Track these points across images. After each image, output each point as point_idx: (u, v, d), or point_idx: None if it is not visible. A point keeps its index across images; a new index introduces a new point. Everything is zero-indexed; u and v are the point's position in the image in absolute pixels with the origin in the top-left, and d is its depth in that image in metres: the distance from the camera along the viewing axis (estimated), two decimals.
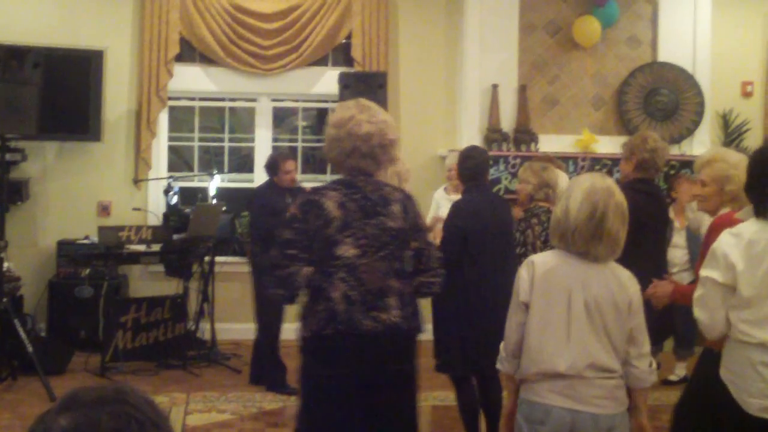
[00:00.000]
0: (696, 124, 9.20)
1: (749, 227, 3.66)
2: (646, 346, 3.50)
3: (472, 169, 5.55)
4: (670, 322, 5.65)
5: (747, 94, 9.67)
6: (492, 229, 5.42)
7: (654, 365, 3.55)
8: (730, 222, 4.32)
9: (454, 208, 5.49)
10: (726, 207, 4.46)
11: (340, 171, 3.80)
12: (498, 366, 3.67)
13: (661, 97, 9.16)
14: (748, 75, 9.69)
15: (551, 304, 3.44)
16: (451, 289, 5.33)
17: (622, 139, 8.87)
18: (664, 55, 9.23)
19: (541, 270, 3.47)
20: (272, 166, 7.08)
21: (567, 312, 3.42)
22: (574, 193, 3.46)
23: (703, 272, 3.70)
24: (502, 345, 3.64)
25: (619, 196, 3.48)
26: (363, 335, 3.60)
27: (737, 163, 4.45)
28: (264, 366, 7.08)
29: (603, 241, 3.41)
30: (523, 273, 3.52)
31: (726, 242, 3.65)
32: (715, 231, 4.36)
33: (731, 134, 9.40)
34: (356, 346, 3.61)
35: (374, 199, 3.69)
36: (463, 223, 5.31)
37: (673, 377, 7.42)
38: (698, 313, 3.72)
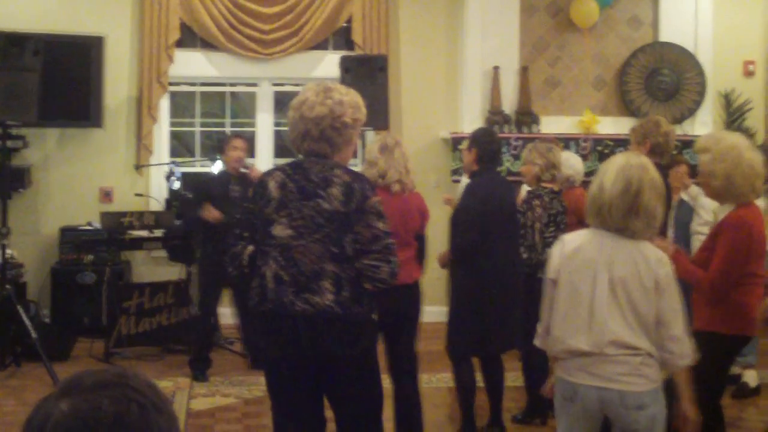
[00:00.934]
0: (698, 104, 9.18)
1: None
2: (677, 329, 3.45)
3: (494, 151, 5.56)
4: None
5: (749, 74, 9.63)
6: (503, 212, 5.44)
7: (689, 347, 3.51)
8: (736, 222, 4.33)
9: (468, 190, 5.48)
10: (732, 201, 4.43)
11: (300, 153, 3.79)
12: (535, 341, 3.70)
13: (662, 78, 9.14)
14: (750, 54, 9.64)
15: (577, 281, 3.47)
16: (467, 273, 5.36)
17: (624, 119, 8.91)
18: (666, 35, 9.20)
19: (569, 247, 3.52)
20: (220, 145, 6.97)
21: (592, 289, 3.44)
22: (609, 169, 3.50)
23: None
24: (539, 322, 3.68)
25: (654, 173, 3.50)
26: (295, 316, 3.59)
27: (722, 155, 4.36)
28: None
29: (640, 216, 3.43)
30: (554, 250, 3.58)
31: None
32: (724, 229, 4.36)
33: (733, 114, 9.37)
34: (290, 327, 3.61)
35: (316, 180, 3.64)
36: (481, 207, 5.31)
37: None
38: None
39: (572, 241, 3.55)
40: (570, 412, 3.53)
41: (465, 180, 7.49)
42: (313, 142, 3.69)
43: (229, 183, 6.78)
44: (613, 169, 3.47)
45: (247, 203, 3.83)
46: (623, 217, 3.42)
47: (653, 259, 3.46)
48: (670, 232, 7.21)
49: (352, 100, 3.74)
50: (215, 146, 6.81)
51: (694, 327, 4.47)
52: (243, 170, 6.83)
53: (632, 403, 3.39)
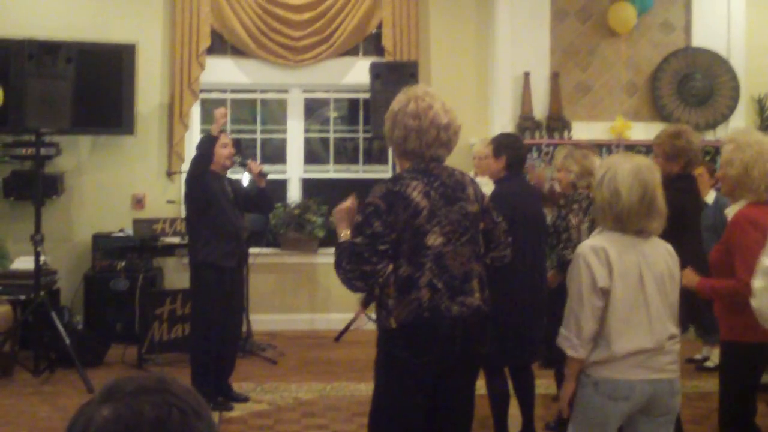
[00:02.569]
0: (731, 109, 9.11)
1: None
2: None
3: (522, 158, 5.60)
4: (695, 307, 5.58)
5: None
6: (532, 219, 5.42)
7: None
8: (747, 219, 4.26)
9: (498, 197, 5.44)
10: (746, 196, 4.37)
11: (413, 160, 3.74)
12: (571, 352, 3.62)
13: (695, 83, 9.08)
14: None
15: (629, 285, 3.52)
16: (498, 281, 5.33)
17: (656, 125, 8.83)
18: (698, 40, 9.14)
19: (614, 254, 3.52)
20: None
21: (642, 290, 3.53)
22: (620, 173, 3.52)
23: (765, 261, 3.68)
24: (568, 332, 3.60)
25: (658, 172, 3.61)
26: (453, 320, 3.61)
27: (744, 146, 4.32)
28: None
29: (656, 217, 3.53)
30: (593, 260, 3.52)
31: None
32: (736, 228, 4.30)
33: (767, 119, 9.29)
34: (445, 331, 3.62)
35: (451, 184, 3.71)
36: (510, 212, 5.28)
37: (709, 363, 7.36)
38: (757, 303, 3.69)
39: (612, 247, 3.53)
40: (615, 412, 3.53)
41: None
42: (440, 147, 3.73)
43: (223, 182, 6.36)
44: (626, 174, 3.50)
45: (384, 216, 3.59)
46: (642, 220, 3.51)
47: (671, 252, 3.65)
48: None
49: None
50: (200, 146, 6.27)
51: (722, 335, 4.46)
52: (237, 165, 6.56)
53: (676, 389, 3.60)
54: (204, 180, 6.13)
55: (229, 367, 6.49)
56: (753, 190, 4.30)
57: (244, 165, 6.53)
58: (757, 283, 3.72)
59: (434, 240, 3.61)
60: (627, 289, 3.51)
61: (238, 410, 6.31)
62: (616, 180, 3.50)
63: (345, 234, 3.71)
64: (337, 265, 3.64)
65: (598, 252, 3.53)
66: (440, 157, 3.76)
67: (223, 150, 6.26)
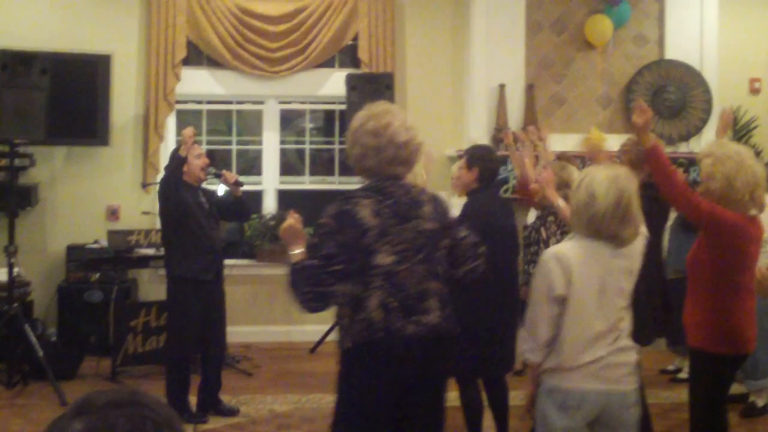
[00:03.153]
0: (704, 121, 9.18)
1: None
2: None
3: (495, 170, 5.61)
4: (664, 318, 5.62)
5: (755, 91, 9.64)
6: (504, 231, 5.43)
7: None
8: (733, 223, 4.32)
9: (470, 209, 5.44)
10: (731, 209, 4.38)
11: (372, 177, 3.71)
12: (528, 356, 3.67)
13: (668, 95, 9.15)
14: (755, 71, 9.66)
15: (588, 294, 3.54)
16: (469, 294, 5.35)
17: (630, 137, 8.90)
18: (672, 52, 9.21)
19: (575, 261, 3.53)
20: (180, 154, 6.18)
21: (601, 300, 3.55)
22: (597, 179, 3.56)
23: None
24: (527, 335, 3.66)
25: (636, 182, 3.64)
26: (407, 339, 3.56)
27: (724, 158, 4.36)
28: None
29: (630, 224, 3.55)
30: (553, 266, 3.55)
31: None
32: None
33: (739, 131, 9.37)
34: (401, 351, 3.57)
35: (406, 202, 3.66)
36: (481, 224, 5.28)
37: (682, 375, 7.40)
38: None
39: (574, 255, 3.55)
40: (568, 422, 3.54)
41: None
42: (399, 165, 3.69)
43: (197, 193, 6.28)
44: (602, 179, 3.53)
45: (337, 236, 3.55)
46: (617, 226, 3.51)
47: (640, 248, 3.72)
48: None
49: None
50: (172, 157, 6.21)
51: (688, 344, 4.51)
52: (212, 176, 6.47)
53: (630, 401, 3.60)
54: (178, 194, 6.10)
55: (215, 382, 6.42)
56: (737, 202, 4.33)
57: (219, 176, 6.48)
58: None
59: (384, 259, 3.55)
60: (585, 298, 3.52)
61: (213, 422, 6.29)
62: (594, 184, 3.53)
63: (294, 254, 3.64)
64: (294, 287, 3.56)
65: (560, 259, 3.55)
66: (399, 174, 3.72)
67: (197, 161, 6.20)
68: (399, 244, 3.59)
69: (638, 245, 3.70)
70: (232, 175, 6.43)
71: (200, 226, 6.19)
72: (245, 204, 6.57)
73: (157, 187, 6.49)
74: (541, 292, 3.57)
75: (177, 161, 6.13)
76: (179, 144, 6.32)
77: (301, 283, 3.54)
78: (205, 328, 6.22)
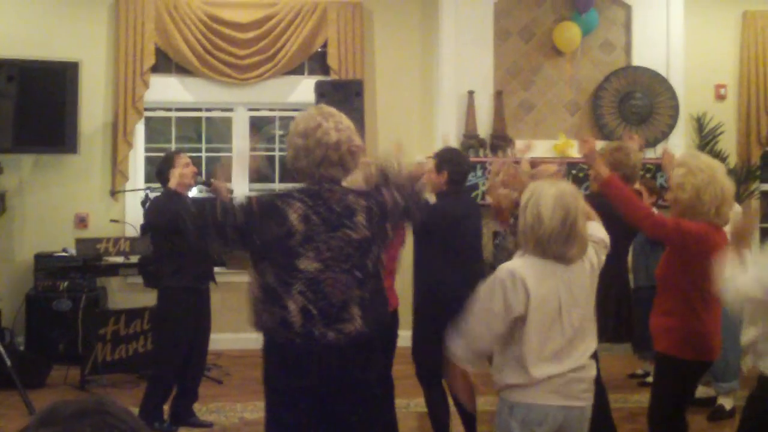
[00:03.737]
0: (671, 127, 9.26)
1: None
2: None
3: (465, 173, 5.62)
4: (627, 324, 5.67)
5: (720, 97, 9.74)
6: (468, 233, 5.46)
7: None
8: (699, 230, 4.38)
9: (436, 210, 5.46)
10: (696, 220, 4.44)
11: (307, 180, 3.69)
12: (465, 365, 3.70)
13: (635, 101, 9.22)
14: (721, 78, 9.75)
15: (547, 312, 3.54)
16: (429, 293, 5.38)
17: (598, 143, 8.94)
18: (638, 59, 9.29)
19: (533, 281, 3.52)
20: (168, 163, 6.16)
21: (559, 316, 3.55)
22: (544, 198, 3.55)
23: None
24: (462, 344, 3.66)
25: (581, 199, 3.64)
26: (327, 346, 3.54)
27: (696, 170, 4.43)
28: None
29: (576, 243, 3.55)
30: (511, 285, 3.53)
31: None
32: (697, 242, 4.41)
33: (705, 137, 9.46)
34: (320, 357, 3.55)
35: (339, 210, 3.62)
36: (445, 226, 5.31)
37: (650, 379, 7.45)
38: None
39: (531, 274, 3.55)
40: None
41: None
42: (331, 167, 3.65)
43: (187, 203, 6.10)
44: (549, 200, 3.53)
45: (251, 221, 3.58)
46: (561, 246, 3.52)
47: (594, 268, 3.72)
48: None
49: (353, 126, 3.78)
50: (161, 166, 6.21)
51: (656, 349, 4.55)
52: (200, 186, 6.44)
53: (587, 417, 3.65)
54: (171, 208, 6.03)
55: (192, 393, 6.38)
56: (704, 214, 4.40)
57: (208, 184, 6.37)
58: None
59: (308, 265, 3.54)
60: (544, 316, 3.53)
61: (183, 431, 6.26)
62: (539, 205, 3.53)
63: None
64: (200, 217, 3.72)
65: (517, 277, 3.53)
66: (334, 177, 3.68)
67: (185, 169, 6.13)
68: (325, 251, 3.57)
69: (593, 259, 3.71)
70: (222, 185, 6.26)
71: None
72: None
73: (130, 191, 6.41)
74: (496, 309, 3.54)
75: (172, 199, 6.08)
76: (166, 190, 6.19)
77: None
78: (194, 336, 6.18)
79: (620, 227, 5.12)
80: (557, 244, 3.51)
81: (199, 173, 6.41)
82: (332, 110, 3.79)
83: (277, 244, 3.56)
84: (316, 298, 3.55)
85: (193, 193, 6.85)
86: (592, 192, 5.29)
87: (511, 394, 3.60)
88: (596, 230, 3.85)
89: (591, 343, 3.66)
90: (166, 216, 5.91)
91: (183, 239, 6.01)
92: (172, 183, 6.06)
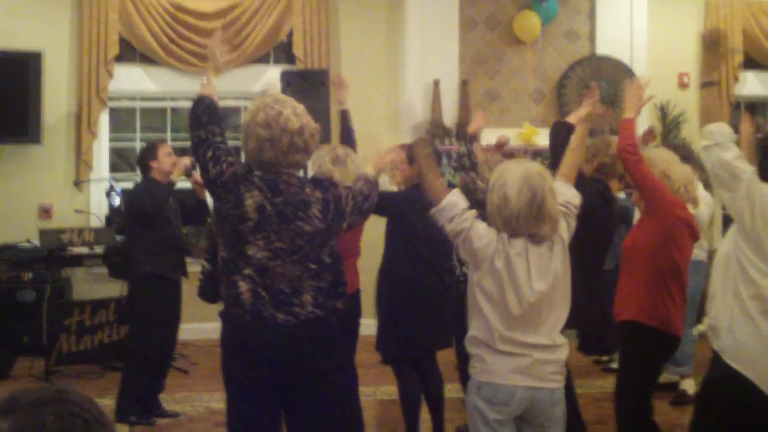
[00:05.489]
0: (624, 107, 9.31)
1: None
2: None
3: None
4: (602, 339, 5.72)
5: (683, 85, 9.83)
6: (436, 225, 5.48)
7: None
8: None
9: (409, 202, 5.48)
10: None
11: (271, 169, 3.66)
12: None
13: (599, 90, 9.26)
14: (684, 66, 9.85)
15: (506, 281, 3.57)
16: (394, 280, 5.41)
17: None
18: (602, 48, 9.36)
19: (510, 252, 3.57)
20: (150, 152, 6.19)
21: (517, 289, 3.56)
22: (510, 179, 3.56)
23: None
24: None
25: (549, 178, 3.64)
26: (278, 326, 3.56)
27: (655, 157, 4.66)
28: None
29: (546, 222, 3.56)
30: (483, 227, 3.62)
31: None
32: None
33: (669, 125, 9.55)
34: (274, 343, 3.57)
35: (294, 202, 3.62)
36: (417, 216, 5.33)
37: (613, 365, 7.53)
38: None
39: (511, 243, 3.59)
40: (495, 417, 3.58)
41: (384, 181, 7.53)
42: (297, 153, 3.66)
43: (170, 194, 6.20)
44: (515, 180, 3.55)
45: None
46: (533, 225, 3.54)
47: (565, 254, 3.70)
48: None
49: (305, 108, 3.79)
50: (142, 154, 6.27)
51: (622, 319, 4.61)
52: (183, 175, 6.32)
53: (557, 399, 3.64)
54: (155, 196, 6.03)
55: (160, 383, 6.37)
56: (674, 192, 4.55)
57: (188, 175, 6.32)
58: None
59: (256, 252, 3.57)
60: (502, 284, 3.57)
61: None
62: (506, 186, 3.55)
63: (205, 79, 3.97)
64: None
65: (497, 234, 3.61)
66: (299, 162, 3.70)
67: (167, 159, 6.14)
68: (275, 242, 3.58)
69: (563, 234, 3.71)
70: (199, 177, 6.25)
71: (170, 225, 6.15)
72: (206, 207, 6.41)
73: (94, 180, 6.36)
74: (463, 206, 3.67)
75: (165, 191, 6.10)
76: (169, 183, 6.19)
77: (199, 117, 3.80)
78: (166, 326, 6.19)
79: (594, 215, 5.17)
80: (527, 224, 3.53)
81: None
82: (283, 96, 3.82)
83: (230, 222, 3.59)
84: (265, 284, 3.58)
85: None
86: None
87: (478, 373, 3.63)
88: (565, 191, 3.81)
89: (558, 323, 3.67)
90: (155, 200, 5.97)
91: (160, 227, 6.08)
92: (154, 172, 6.10)
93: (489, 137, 8.90)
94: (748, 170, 3.71)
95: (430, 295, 5.37)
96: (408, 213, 5.36)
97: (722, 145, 3.87)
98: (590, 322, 4.91)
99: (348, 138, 5.64)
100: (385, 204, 4.97)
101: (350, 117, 5.72)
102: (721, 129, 3.94)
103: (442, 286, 5.47)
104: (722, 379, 3.66)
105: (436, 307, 5.40)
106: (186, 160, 6.11)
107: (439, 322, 5.42)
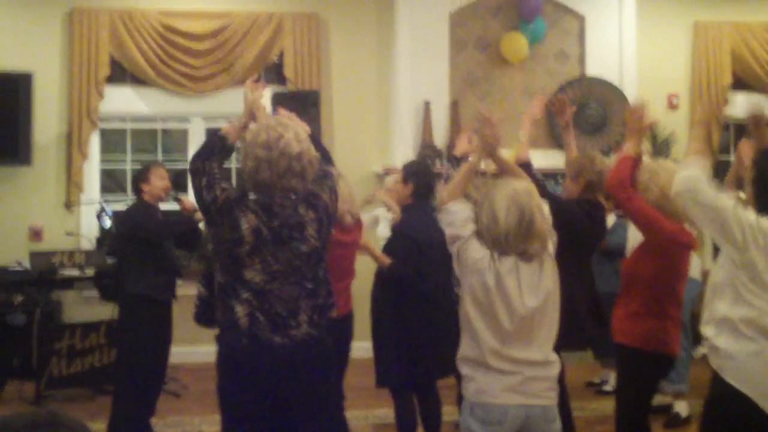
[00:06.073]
0: (624, 136, 9.34)
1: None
2: None
3: (431, 186, 5.66)
4: (590, 329, 5.71)
5: (673, 107, 9.88)
6: (433, 244, 5.48)
7: None
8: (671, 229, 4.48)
9: (404, 223, 5.50)
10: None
11: (266, 191, 3.70)
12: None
13: (590, 111, 9.32)
14: (673, 88, 9.90)
15: (499, 299, 3.58)
16: (393, 302, 5.39)
17: (553, 152, 9.04)
18: (592, 69, 9.39)
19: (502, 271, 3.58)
20: (142, 175, 6.20)
21: (511, 302, 3.57)
22: (498, 198, 3.59)
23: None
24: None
25: (537, 195, 3.66)
26: (274, 349, 3.58)
27: (660, 170, 4.61)
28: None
29: (536, 240, 3.58)
30: (479, 246, 3.63)
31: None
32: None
33: (659, 146, 9.57)
34: (268, 360, 3.58)
35: (290, 225, 3.66)
36: (418, 236, 5.34)
37: (607, 387, 7.51)
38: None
39: (502, 261, 3.60)
40: None
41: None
42: (293, 178, 3.68)
43: (159, 215, 6.23)
44: (503, 199, 3.57)
45: (226, 192, 3.67)
46: (520, 244, 3.56)
47: (555, 274, 3.71)
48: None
49: (307, 136, 3.82)
50: (136, 177, 6.31)
51: (619, 342, 4.62)
52: (173, 200, 6.39)
53: (551, 417, 3.64)
54: (146, 221, 6.04)
55: (151, 406, 6.29)
56: (672, 212, 4.51)
57: (177, 200, 6.35)
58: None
59: (254, 276, 3.60)
60: (493, 301, 3.58)
61: None
62: (494, 205, 3.57)
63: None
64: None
65: (487, 252, 3.62)
66: (294, 187, 3.72)
67: (159, 182, 6.14)
68: (273, 264, 3.62)
69: (550, 249, 3.72)
70: (189, 202, 6.15)
71: (161, 246, 6.12)
72: (199, 234, 6.42)
73: (85, 204, 6.36)
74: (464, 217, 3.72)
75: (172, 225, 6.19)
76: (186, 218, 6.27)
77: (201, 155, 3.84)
78: (157, 349, 6.14)
79: (586, 237, 5.17)
80: (516, 243, 3.55)
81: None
82: (288, 121, 3.83)
83: (227, 247, 3.61)
84: (263, 307, 3.60)
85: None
86: (558, 197, 5.26)
87: (471, 393, 3.63)
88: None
89: (549, 339, 3.67)
90: (157, 224, 6.02)
91: (152, 248, 6.06)
92: (146, 195, 6.11)
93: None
94: (729, 204, 3.67)
95: (435, 323, 5.35)
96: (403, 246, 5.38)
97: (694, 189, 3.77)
98: (577, 314, 4.91)
99: None
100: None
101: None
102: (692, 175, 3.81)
103: (448, 307, 5.46)
104: (723, 398, 3.65)
105: (441, 331, 5.37)
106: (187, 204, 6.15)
107: (444, 348, 5.39)
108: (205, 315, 4.09)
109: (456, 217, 3.72)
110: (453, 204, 3.77)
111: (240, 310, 3.59)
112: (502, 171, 4.14)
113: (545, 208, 3.79)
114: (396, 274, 5.42)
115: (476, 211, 3.69)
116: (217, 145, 3.84)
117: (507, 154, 8.83)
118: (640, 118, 4.73)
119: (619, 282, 4.86)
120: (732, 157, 10.22)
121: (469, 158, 5.43)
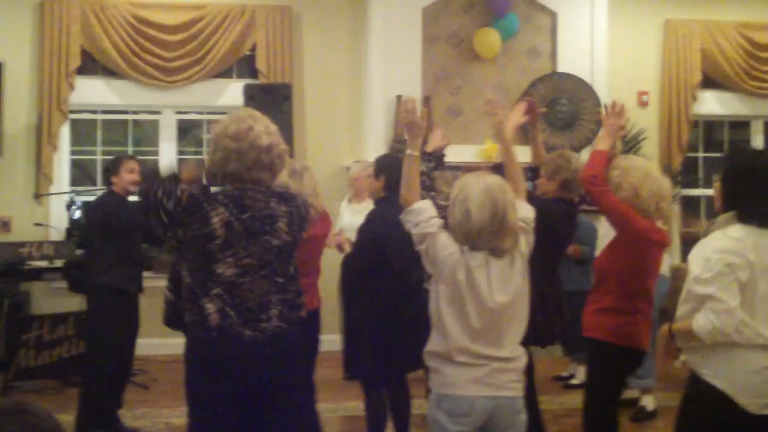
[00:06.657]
0: (595, 133, 9.39)
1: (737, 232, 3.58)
2: None
3: (400, 178, 5.63)
4: (559, 324, 5.75)
5: (643, 104, 9.95)
6: (403, 238, 5.48)
7: None
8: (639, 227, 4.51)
9: (374, 216, 5.50)
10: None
11: (235, 184, 3.67)
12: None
13: (560, 107, 9.37)
14: (644, 85, 9.97)
15: (469, 294, 3.60)
16: (364, 296, 5.39)
17: (524, 148, 9.05)
18: (563, 66, 9.43)
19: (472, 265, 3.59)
20: (114, 166, 6.20)
21: (480, 302, 3.59)
22: (471, 194, 3.60)
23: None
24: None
25: (510, 191, 3.67)
26: (245, 343, 3.56)
27: (631, 169, 4.59)
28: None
29: (508, 236, 3.60)
30: (448, 241, 3.65)
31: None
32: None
33: (628, 143, 9.64)
34: (238, 353, 3.56)
35: (261, 217, 3.64)
36: (382, 229, 5.33)
37: (575, 381, 7.58)
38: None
39: (471, 257, 3.61)
40: (459, 428, 3.59)
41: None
42: (262, 170, 3.66)
43: (128, 207, 6.19)
44: (476, 194, 3.59)
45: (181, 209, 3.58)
46: (493, 239, 3.58)
47: (524, 271, 3.73)
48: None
49: (277, 129, 3.80)
50: (106, 167, 6.32)
51: (591, 336, 4.66)
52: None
53: (517, 408, 3.67)
54: (117, 211, 6.04)
55: (119, 398, 6.29)
56: (644, 211, 4.54)
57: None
58: (681, 309, 3.71)
59: (225, 270, 3.56)
60: (463, 295, 3.60)
61: None
62: (468, 200, 3.58)
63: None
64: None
65: (459, 249, 3.64)
66: (262, 180, 3.69)
67: (128, 175, 6.12)
68: (244, 258, 3.59)
69: (522, 248, 3.74)
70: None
71: (131, 239, 6.12)
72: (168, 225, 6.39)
73: (55, 194, 6.34)
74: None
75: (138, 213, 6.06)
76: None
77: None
78: (124, 340, 6.15)
79: (561, 236, 5.21)
80: (489, 238, 3.57)
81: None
82: (258, 113, 3.81)
83: (197, 243, 3.57)
84: (234, 302, 3.57)
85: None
86: (537, 196, 5.28)
87: (438, 386, 3.65)
88: (519, 207, 3.79)
89: (517, 337, 3.70)
90: (126, 216, 5.99)
91: (121, 240, 6.05)
92: (116, 187, 6.12)
93: (452, 154, 8.95)
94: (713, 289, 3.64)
95: (403, 316, 5.36)
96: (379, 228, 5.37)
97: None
98: (545, 311, 4.95)
99: None
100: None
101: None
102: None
103: (418, 304, 5.47)
104: (701, 395, 3.68)
105: (413, 324, 5.36)
106: None
107: (416, 341, 5.40)
108: (174, 318, 4.08)
109: (421, 216, 3.72)
110: (417, 204, 3.77)
111: (210, 307, 3.56)
112: (505, 157, 4.10)
113: (521, 205, 3.82)
114: (346, 266, 5.47)
115: (448, 205, 3.71)
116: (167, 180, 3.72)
117: (477, 149, 8.92)
118: (619, 120, 4.76)
119: (586, 281, 4.90)
120: (701, 155, 10.33)
121: (444, 153, 5.49)
